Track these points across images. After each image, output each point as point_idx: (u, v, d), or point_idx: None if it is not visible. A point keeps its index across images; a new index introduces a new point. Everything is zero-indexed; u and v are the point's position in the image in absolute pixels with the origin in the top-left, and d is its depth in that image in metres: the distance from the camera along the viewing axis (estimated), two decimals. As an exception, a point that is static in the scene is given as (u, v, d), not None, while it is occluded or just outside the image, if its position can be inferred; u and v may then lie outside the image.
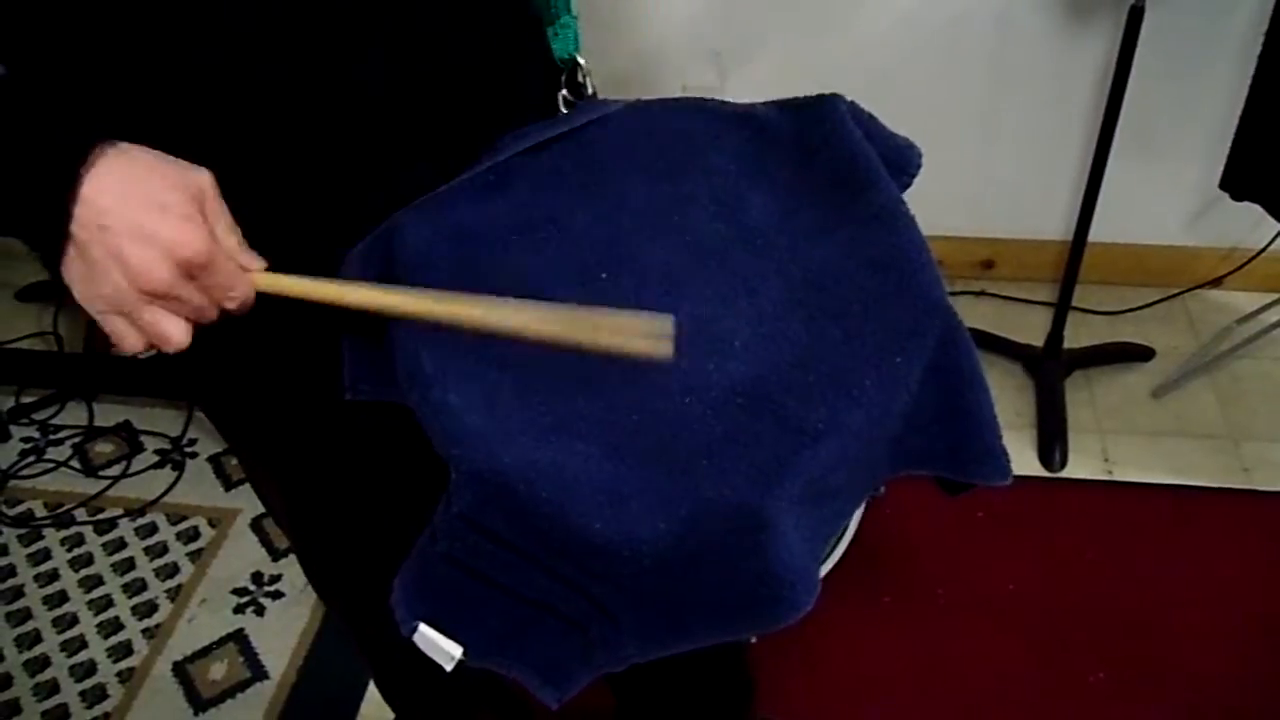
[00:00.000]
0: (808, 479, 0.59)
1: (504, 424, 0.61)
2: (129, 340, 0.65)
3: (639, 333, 0.62)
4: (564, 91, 0.86)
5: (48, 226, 0.61)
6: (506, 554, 0.61)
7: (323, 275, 0.73)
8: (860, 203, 0.67)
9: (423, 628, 0.62)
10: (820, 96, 0.74)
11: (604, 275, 0.67)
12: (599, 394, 0.63)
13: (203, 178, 0.65)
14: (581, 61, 0.85)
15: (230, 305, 0.67)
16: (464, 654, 0.62)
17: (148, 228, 0.61)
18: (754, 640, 1.62)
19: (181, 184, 0.63)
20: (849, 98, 0.76)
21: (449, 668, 0.62)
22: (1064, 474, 1.91)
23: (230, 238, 0.66)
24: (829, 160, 0.68)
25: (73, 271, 0.63)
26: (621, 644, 0.63)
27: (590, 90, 0.86)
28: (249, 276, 0.67)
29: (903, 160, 0.71)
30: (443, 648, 0.62)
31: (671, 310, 0.65)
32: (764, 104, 0.77)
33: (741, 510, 0.58)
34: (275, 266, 0.80)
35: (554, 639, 0.63)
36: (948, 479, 0.68)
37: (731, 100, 0.79)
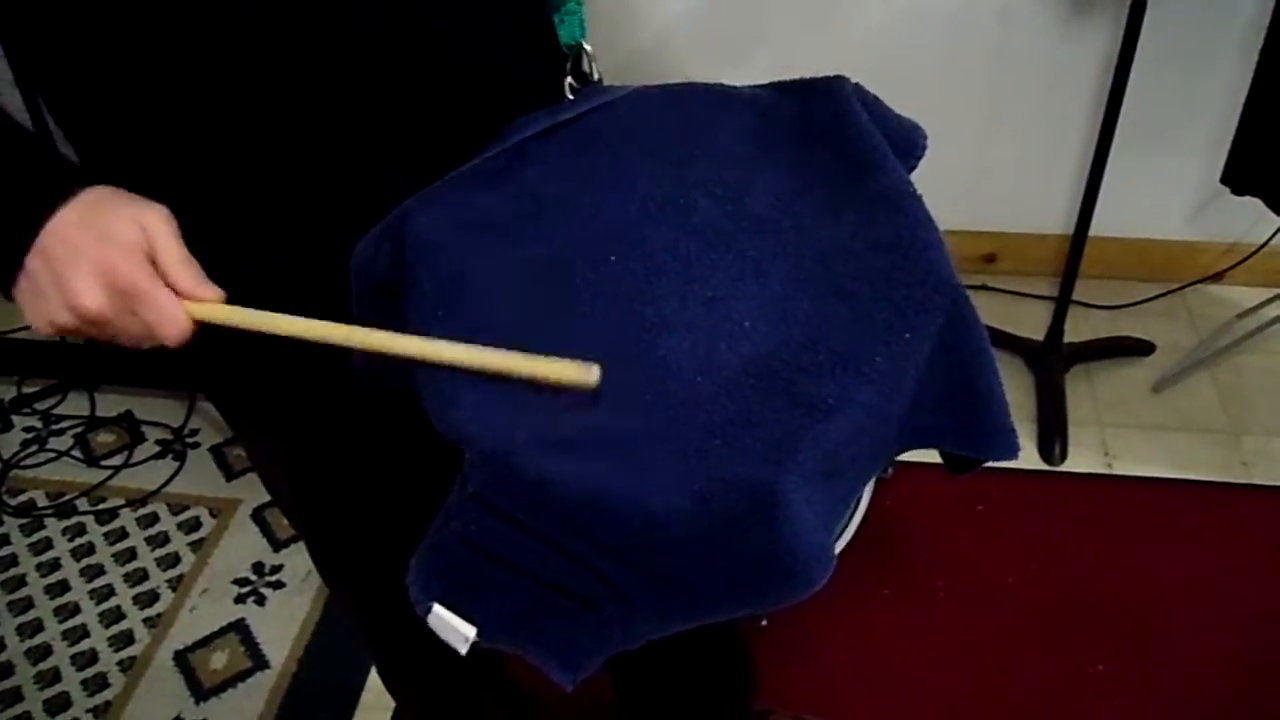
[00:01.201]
0: (820, 454, 0.59)
1: (516, 406, 0.62)
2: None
3: (568, 371, 0.63)
4: (569, 79, 0.86)
5: (8, 257, 0.68)
6: (520, 535, 0.61)
7: (333, 264, 0.73)
8: (866, 184, 0.67)
9: (437, 608, 0.62)
10: (824, 78, 0.74)
11: (613, 258, 0.67)
12: (612, 377, 0.63)
13: (153, 214, 0.68)
14: (587, 48, 0.85)
15: (165, 337, 0.69)
16: (478, 634, 0.62)
17: (88, 256, 0.66)
18: (764, 624, 1.62)
19: (130, 218, 0.68)
20: (851, 87, 0.76)
21: (463, 649, 0.63)
22: (1064, 467, 1.92)
23: (181, 270, 0.69)
24: (834, 142, 0.69)
25: (24, 297, 0.68)
26: (635, 623, 0.63)
27: (596, 77, 0.86)
28: (180, 312, 0.69)
29: (908, 142, 0.71)
30: (457, 628, 0.62)
31: (681, 291, 0.65)
32: (768, 86, 0.77)
33: (755, 486, 0.58)
34: (288, 258, 0.80)
35: (568, 620, 0.63)
36: (955, 456, 0.68)
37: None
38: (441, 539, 0.63)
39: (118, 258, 0.66)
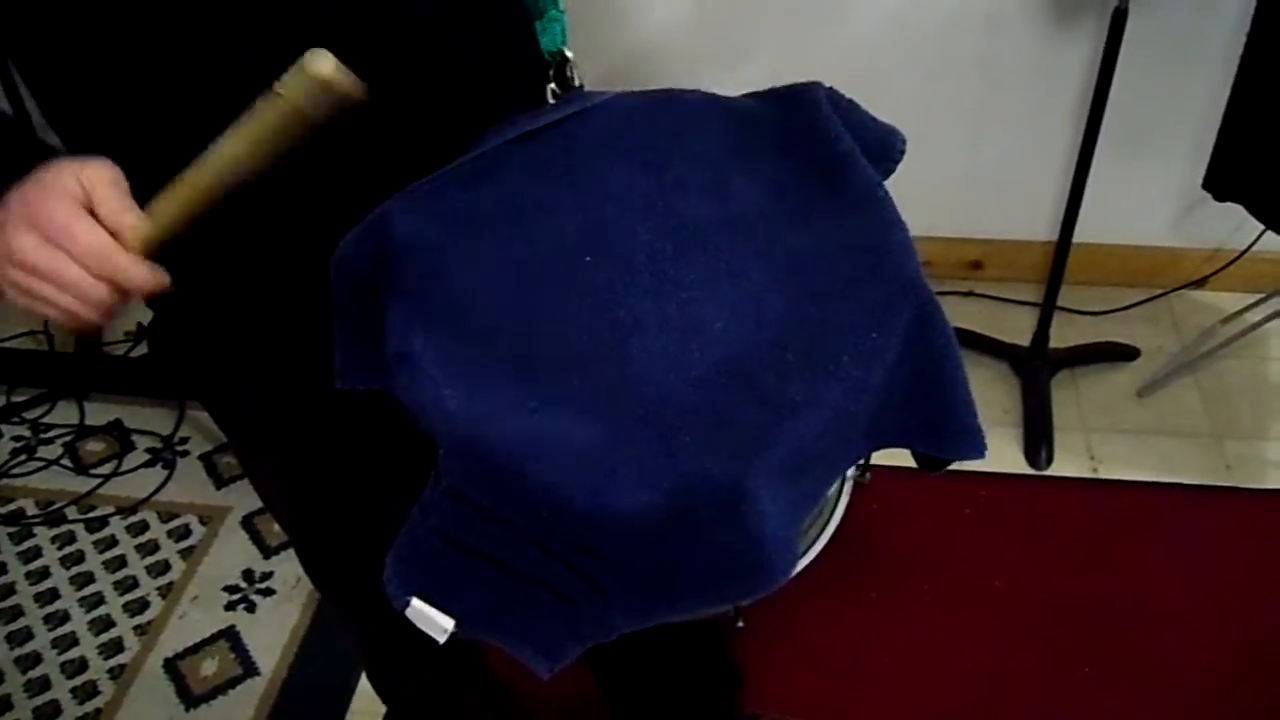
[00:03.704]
0: (786, 451, 0.61)
1: (490, 401, 0.63)
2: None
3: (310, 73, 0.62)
4: (552, 85, 0.87)
5: None
6: (494, 528, 0.62)
7: (315, 265, 0.74)
8: (838, 188, 0.69)
9: (415, 601, 0.63)
10: (798, 85, 0.75)
11: (588, 259, 0.69)
12: (584, 374, 0.64)
13: (93, 166, 0.68)
14: (569, 55, 0.86)
15: (100, 274, 0.67)
16: (456, 627, 0.63)
17: (23, 211, 0.67)
18: (741, 624, 1.63)
19: (70, 172, 0.68)
20: (835, 95, 0.77)
21: (442, 640, 0.64)
22: (1050, 472, 1.93)
23: (120, 212, 0.68)
24: (807, 147, 0.70)
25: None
26: (609, 615, 0.64)
27: (578, 83, 0.87)
28: (110, 250, 0.67)
29: (884, 145, 0.72)
30: (435, 621, 0.63)
31: (655, 292, 0.66)
32: (746, 94, 0.79)
33: (722, 481, 0.59)
34: (266, 260, 0.81)
35: (544, 612, 0.64)
36: (925, 455, 0.69)
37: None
38: (418, 534, 0.64)
39: (48, 203, 0.66)
